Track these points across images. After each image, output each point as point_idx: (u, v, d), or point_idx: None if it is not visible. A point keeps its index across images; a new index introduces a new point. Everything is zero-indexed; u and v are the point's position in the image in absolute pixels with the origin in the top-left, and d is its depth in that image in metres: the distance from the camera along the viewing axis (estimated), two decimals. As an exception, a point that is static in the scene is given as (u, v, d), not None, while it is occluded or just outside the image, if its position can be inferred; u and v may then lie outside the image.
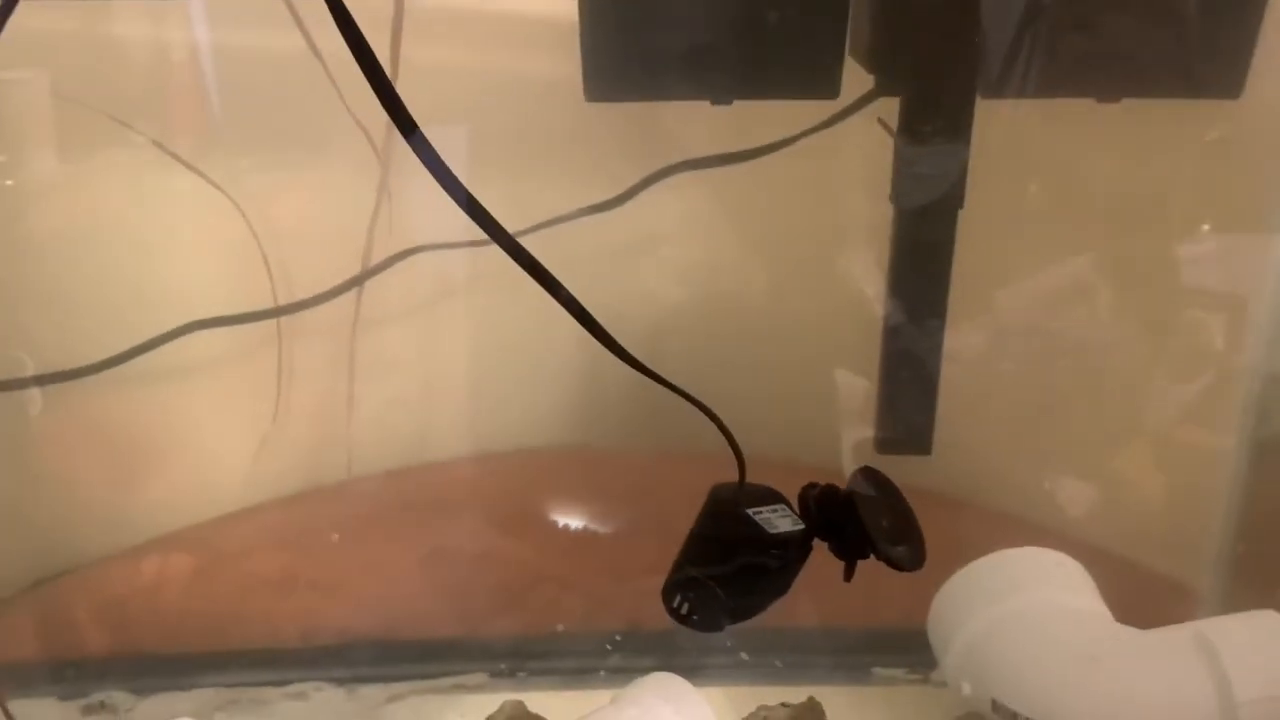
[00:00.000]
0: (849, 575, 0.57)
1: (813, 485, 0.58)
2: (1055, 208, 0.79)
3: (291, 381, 0.87)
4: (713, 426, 0.58)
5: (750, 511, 0.58)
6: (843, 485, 0.60)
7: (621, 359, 0.53)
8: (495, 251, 0.51)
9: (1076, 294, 0.80)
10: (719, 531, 0.59)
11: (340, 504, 0.89)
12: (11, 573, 0.83)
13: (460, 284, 0.86)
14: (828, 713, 0.73)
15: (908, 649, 0.76)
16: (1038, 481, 0.83)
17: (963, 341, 0.75)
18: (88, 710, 0.76)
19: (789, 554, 0.58)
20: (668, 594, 0.60)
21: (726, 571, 0.58)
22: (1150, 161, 0.78)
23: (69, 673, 0.78)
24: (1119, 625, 0.71)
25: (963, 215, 0.71)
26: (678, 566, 0.60)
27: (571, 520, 0.87)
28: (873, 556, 0.57)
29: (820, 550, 0.63)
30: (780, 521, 0.58)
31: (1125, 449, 0.83)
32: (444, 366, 0.89)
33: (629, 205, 0.78)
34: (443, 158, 0.49)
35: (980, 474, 0.84)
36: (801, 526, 0.58)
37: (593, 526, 0.87)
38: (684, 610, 0.59)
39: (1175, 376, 0.81)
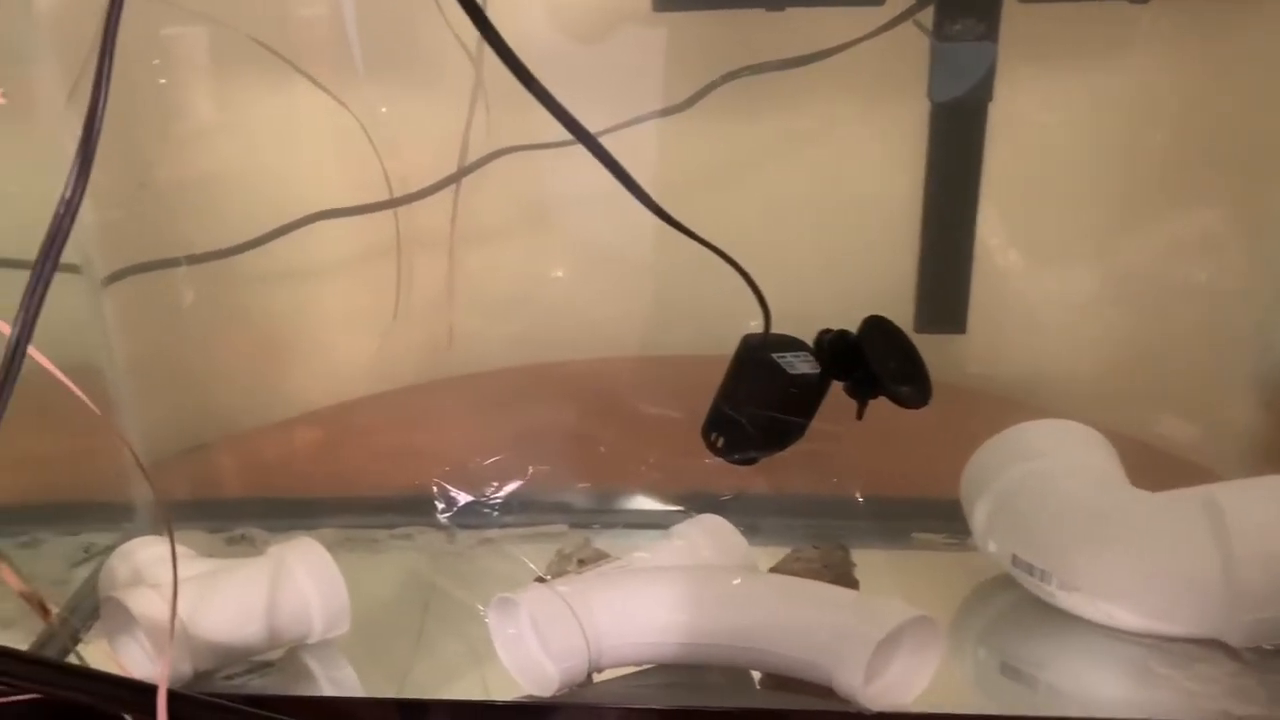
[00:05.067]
0: (860, 414, 0.64)
1: (827, 331, 0.64)
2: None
3: (411, 286, 0.95)
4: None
5: (775, 356, 0.64)
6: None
7: (658, 215, 0.60)
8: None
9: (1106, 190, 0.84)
10: (747, 374, 0.65)
11: (449, 394, 0.97)
12: (170, 439, 0.94)
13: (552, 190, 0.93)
14: (869, 572, 0.76)
15: (951, 517, 0.79)
16: (1076, 370, 0.86)
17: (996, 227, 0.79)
18: (230, 541, 0.86)
19: (808, 392, 0.64)
20: (705, 431, 0.67)
21: (754, 408, 0.65)
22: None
23: (217, 512, 0.89)
24: (1134, 489, 0.74)
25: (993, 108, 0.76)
26: (714, 406, 0.67)
27: (649, 410, 0.94)
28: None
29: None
30: (801, 364, 0.64)
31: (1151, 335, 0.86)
32: (540, 275, 0.96)
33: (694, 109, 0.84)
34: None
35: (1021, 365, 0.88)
36: (819, 369, 0.65)
37: (666, 415, 0.95)
38: (719, 444, 0.66)
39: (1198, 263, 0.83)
